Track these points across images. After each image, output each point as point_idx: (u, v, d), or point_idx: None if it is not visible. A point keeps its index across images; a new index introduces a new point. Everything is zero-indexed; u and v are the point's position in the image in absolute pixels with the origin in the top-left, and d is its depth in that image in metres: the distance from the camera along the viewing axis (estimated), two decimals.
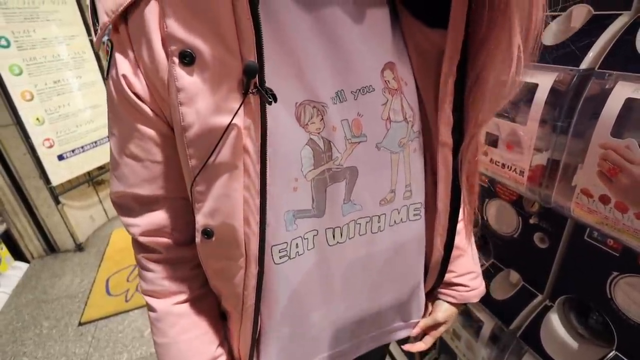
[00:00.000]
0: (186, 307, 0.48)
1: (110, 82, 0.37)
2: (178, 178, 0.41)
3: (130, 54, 0.35)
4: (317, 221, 0.44)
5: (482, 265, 0.98)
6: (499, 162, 0.73)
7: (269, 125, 0.35)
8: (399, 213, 0.48)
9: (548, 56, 0.62)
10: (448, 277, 0.60)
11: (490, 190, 0.90)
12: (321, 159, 0.40)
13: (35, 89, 2.09)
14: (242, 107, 0.34)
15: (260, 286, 0.43)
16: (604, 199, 0.55)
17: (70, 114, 2.26)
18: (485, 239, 1.00)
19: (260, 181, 0.37)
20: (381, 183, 0.45)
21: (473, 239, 0.63)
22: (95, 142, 2.42)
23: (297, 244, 0.44)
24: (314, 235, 0.44)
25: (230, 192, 0.37)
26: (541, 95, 0.61)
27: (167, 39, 0.32)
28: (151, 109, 0.37)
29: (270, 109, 0.36)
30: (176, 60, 0.32)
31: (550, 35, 0.66)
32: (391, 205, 0.47)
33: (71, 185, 2.36)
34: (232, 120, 0.34)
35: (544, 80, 0.61)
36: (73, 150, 2.28)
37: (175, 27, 0.32)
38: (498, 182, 0.86)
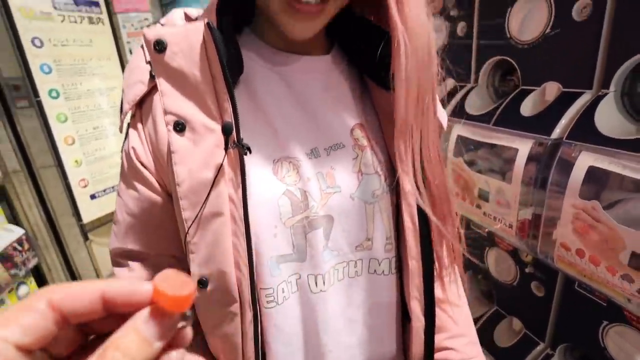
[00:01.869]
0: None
1: (123, 153, 0.46)
2: (169, 239, 0.46)
3: (141, 131, 0.45)
4: (299, 265, 0.47)
5: (485, 313, 1.02)
6: (490, 215, 0.80)
7: (249, 177, 0.42)
8: (379, 264, 0.50)
9: (526, 125, 0.72)
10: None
11: (490, 240, 0.96)
12: (299, 207, 0.45)
13: (76, 134, 2.32)
14: (225, 161, 0.40)
15: (257, 332, 0.45)
16: (580, 253, 0.62)
17: (104, 157, 2.46)
18: (489, 287, 1.04)
19: (244, 225, 0.41)
20: (356, 230, 0.48)
21: (463, 294, 0.60)
22: None
23: (282, 288, 0.46)
24: (296, 279, 0.47)
25: (220, 239, 0.42)
26: (521, 158, 0.70)
27: (165, 114, 0.41)
28: (154, 177, 0.45)
29: (250, 165, 0.42)
30: (171, 128, 0.41)
31: (529, 107, 0.76)
32: (369, 253, 0.49)
33: (100, 223, 2.52)
34: (217, 172, 0.40)
35: (522, 146, 0.70)
36: (104, 190, 2.46)
37: (170, 104, 0.41)
38: (496, 234, 0.93)
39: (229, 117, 0.40)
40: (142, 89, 0.43)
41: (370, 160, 0.47)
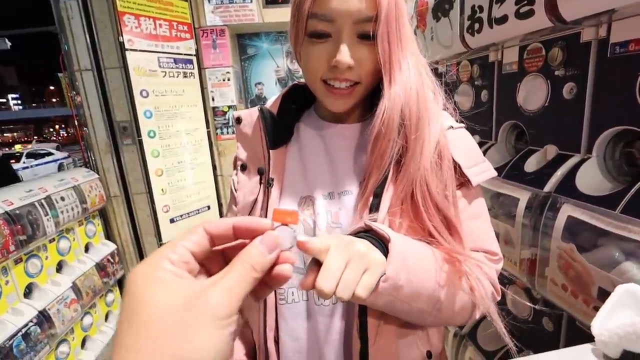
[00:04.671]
0: None
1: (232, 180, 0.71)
2: None
3: (236, 172, 0.68)
4: None
5: (503, 347, 1.11)
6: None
7: (282, 205, 0.60)
8: None
9: (527, 179, 0.88)
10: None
11: (509, 278, 1.08)
12: (309, 233, 0.57)
13: (164, 167, 2.79)
14: (260, 192, 0.61)
15: (265, 317, 0.59)
16: (564, 287, 0.74)
17: (184, 187, 2.90)
18: (509, 323, 1.13)
19: None
20: None
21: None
22: (198, 210, 3.01)
23: (292, 292, 0.59)
24: (306, 290, 0.55)
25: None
26: (521, 205, 0.85)
27: (237, 160, 0.67)
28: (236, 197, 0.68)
29: (284, 197, 0.61)
30: (239, 168, 0.66)
31: (533, 164, 0.92)
32: None
33: None
34: (256, 198, 0.62)
35: (523, 196, 0.85)
36: (181, 215, 2.88)
37: (240, 154, 0.67)
38: (513, 274, 1.04)
39: (264, 164, 0.62)
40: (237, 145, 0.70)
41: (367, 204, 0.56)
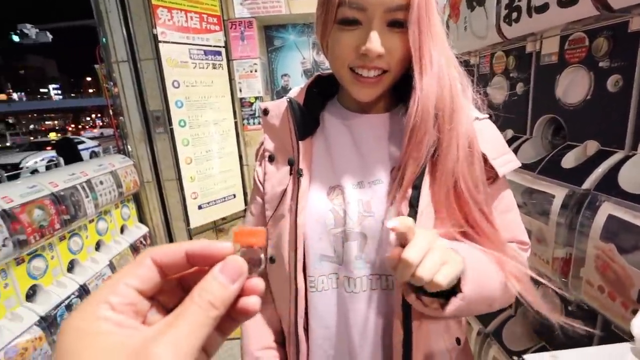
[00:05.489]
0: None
1: (254, 174, 0.71)
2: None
3: (260, 164, 0.69)
4: (337, 267, 0.59)
5: (531, 347, 1.08)
6: (532, 251, 0.91)
7: (310, 196, 0.60)
8: None
9: (564, 175, 0.84)
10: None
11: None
12: (340, 222, 0.58)
13: (193, 156, 2.87)
14: (290, 182, 0.61)
15: (296, 305, 0.60)
16: (601, 289, 0.71)
17: (212, 175, 2.98)
18: (539, 323, 1.10)
19: (295, 227, 0.59)
20: (385, 249, 0.56)
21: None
22: (224, 198, 3.09)
23: (322, 280, 0.60)
24: (335, 278, 0.59)
25: (283, 232, 0.61)
26: (557, 202, 0.82)
27: (265, 151, 0.67)
28: (262, 189, 0.67)
29: (312, 187, 0.60)
30: (267, 159, 0.66)
31: (571, 160, 0.88)
32: None
33: (203, 229, 3.01)
34: (285, 188, 0.62)
35: (559, 193, 0.82)
36: (208, 203, 2.96)
37: (267, 145, 0.67)
38: (544, 273, 1.01)
39: (294, 155, 0.62)
40: (264, 136, 0.70)
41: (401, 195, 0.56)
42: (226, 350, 2.14)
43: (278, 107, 0.65)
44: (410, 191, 0.54)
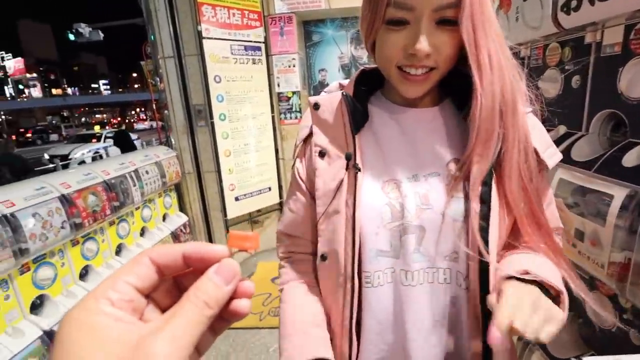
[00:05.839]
0: (305, 286, 0.69)
1: (293, 171, 0.69)
2: (307, 227, 0.68)
3: (302, 158, 0.67)
4: (394, 261, 0.58)
5: (580, 356, 1.02)
6: (584, 254, 0.86)
7: (364, 191, 0.58)
8: (463, 278, 0.57)
9: (624, 175, 0.78)
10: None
11: (591, 283, 0.99)
12: (397, 216, 0.58)
13: (232, 149, 2.95)
14: (345, 177, 0.59)
15: (353, 303, 0.59)
16: None
17: (249, 168, 3.06)
18: (588, 332, 1.04)
19: (352, 222, 0.58)
20: (444, 242, 0.56)
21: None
22: (260, 191, 3.16)
23: (379, 275, 0.59)
24: (391, 272, 0.59)
25: (337, 229, 0.59)
26: (616, 203, 0.77)
27: (314, 146, 0.64)
28: (305, 186, 0.67)
29: (366, 182, 0.59)
30: (317, 155, 0.63)
31: (633, 159, 0.82)
32: (456, 265, 0.57)
33: (239, 220, 3.11)
34: (340, 183, 0.60)
35: (618, 193, 0.77)
36: (245, 195, 3.05)
37: (318, 140, 0.63)
38: (597, 277, 0.95)
39: (350, 150, 0.61)
40: (306, 132, 0.67)
41: (460, 186, 0.57)
42: (223, 341, 2.20)
43: (330, 101, 0.64)
44: (480, 188, 0.55)
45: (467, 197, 0.55)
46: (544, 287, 0.51)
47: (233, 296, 0.26)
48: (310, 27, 3.42)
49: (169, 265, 0.26)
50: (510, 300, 0.46)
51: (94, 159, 10.05)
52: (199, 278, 0.25)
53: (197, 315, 0.23)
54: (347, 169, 0.60)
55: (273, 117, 3.21)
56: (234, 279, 0.26)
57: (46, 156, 11.21)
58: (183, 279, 0.27)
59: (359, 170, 0.59)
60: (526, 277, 0.50)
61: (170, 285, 0.27)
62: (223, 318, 0.27)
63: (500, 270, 0.53)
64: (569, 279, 0.54)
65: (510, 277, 0.50)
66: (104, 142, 12.12)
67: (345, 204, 0.59)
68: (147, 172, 2.35)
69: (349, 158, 0.60)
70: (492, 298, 0.48)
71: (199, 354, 0.26)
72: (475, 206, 0.54)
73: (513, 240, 0.59)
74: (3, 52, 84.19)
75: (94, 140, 12.60)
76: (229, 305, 0.26)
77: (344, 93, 0.63)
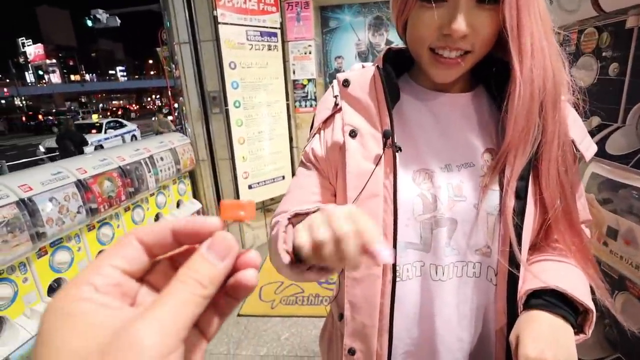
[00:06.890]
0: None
1: (303, 152, 0.64)
2: (301, 199, 0.61)
3: (322, 138, 0.62)
4: (424, 255, 0.56)
5: (604, 358, 0.98)
6: (617, 253, 0.81)
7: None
8: (495, 273, 0.55)
9: None
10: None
11: (620, 284, 0.94)
12: (429, 207, 0.55)
13: (246, 136, 2.94)
14: (382, 158, 0.54)
15: (394, 293, 0.55)
16: None
17: (262, 156, 3.05)
18: (614, 334, 0.99)
19: (393, 205, 0.54)
20: (477, 236, 0.54)
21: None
22: (273, 179, 3.15)
23: (407, 268, 0.57)
24: (420, 266, 0.57)
25: (375, 213, 0.54)
26: None
27: (344, 125, 0.57)
28: (319, 163, 0.62)
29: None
30: (347, 134, 0.57)
31: None
32: (488, 260, 0.55)
33: None
34: (377, 164, 0.54)
35: None
36: (258, 183, 3.04)
37: (348, 119, 0.57)
38: (627, 277, 0.90)
39: (388, 127, 0.55)
40: (327, 113, 0.63)
41: (496, 178, 0.54)
42: (234, 328, 2.21)
43: (363, 77, 0.59)
44: (516, 182, 0.52)
45: (502, 191, 0.53)
46: (570, 301, 0.50)
47: (236, 269, 0.24)
48: (327, 12, 3.34)
49: (159, 244, 0.24)
50: (529, 343, 0.46)
51: (96, 148, 8.99)
52: (191, 256, 0.23)
53: (186, 294, 0.21)
54: (384, 147, 0.55)
55: (288, 105, 3.17)
56: (230, 253, 0.23)
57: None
58: (181, 259, 0.25)
59: (399, 150, 0.54)
60: (556, 288, 0.50)
61: (167, 266, 0.25)
62: (229, 295, 0.24)
63: (527, 282, 0.53)
64: (594, 285, 0.53)
65: (535, 293, 0.51)
66: (105, 133, 10.99)
67: (384, 186, 0.55)
68: (161, 159, 2.36)
69: (388, 135, 0.54)
70: (512, 336, 0.49)
71: (205, 338, 0.24)
72: (510, 202, 0.51)
73: (542, 241, 0.57)
74: (23, 38, 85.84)
75: (93, 131, 11.07)
76: (233, 280, 0.24)
77: (379, 66, 0.57)
